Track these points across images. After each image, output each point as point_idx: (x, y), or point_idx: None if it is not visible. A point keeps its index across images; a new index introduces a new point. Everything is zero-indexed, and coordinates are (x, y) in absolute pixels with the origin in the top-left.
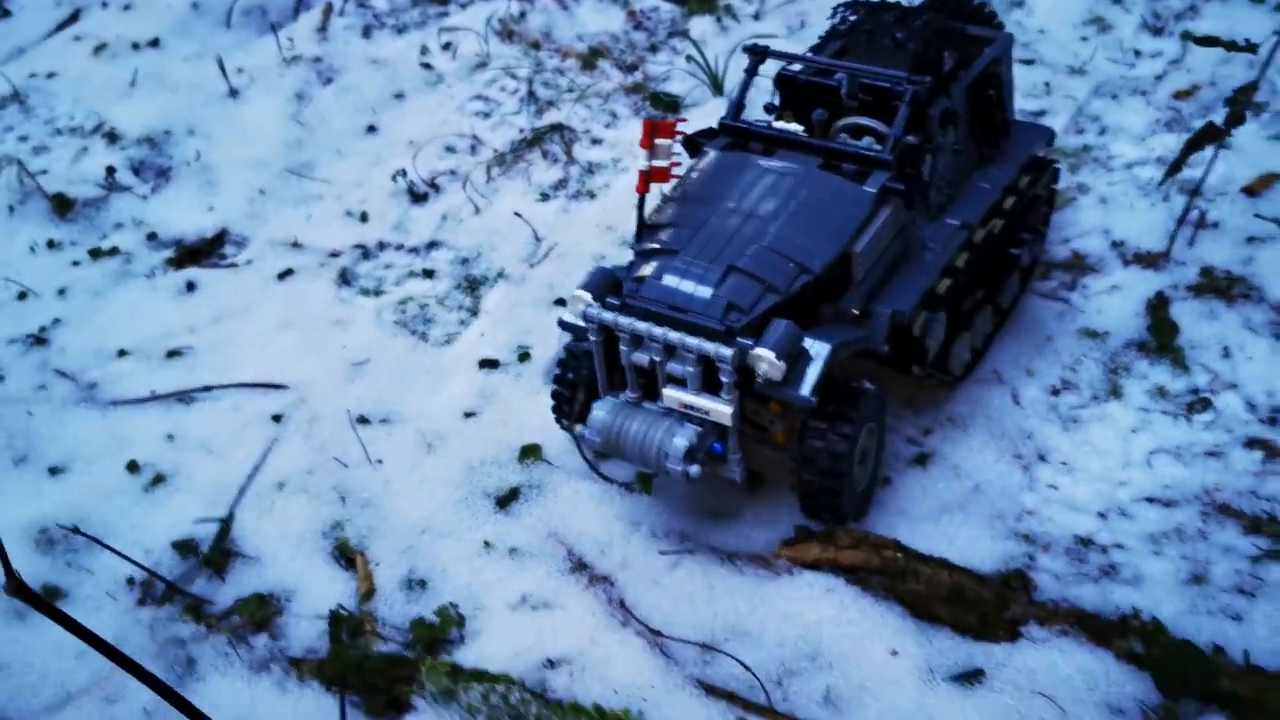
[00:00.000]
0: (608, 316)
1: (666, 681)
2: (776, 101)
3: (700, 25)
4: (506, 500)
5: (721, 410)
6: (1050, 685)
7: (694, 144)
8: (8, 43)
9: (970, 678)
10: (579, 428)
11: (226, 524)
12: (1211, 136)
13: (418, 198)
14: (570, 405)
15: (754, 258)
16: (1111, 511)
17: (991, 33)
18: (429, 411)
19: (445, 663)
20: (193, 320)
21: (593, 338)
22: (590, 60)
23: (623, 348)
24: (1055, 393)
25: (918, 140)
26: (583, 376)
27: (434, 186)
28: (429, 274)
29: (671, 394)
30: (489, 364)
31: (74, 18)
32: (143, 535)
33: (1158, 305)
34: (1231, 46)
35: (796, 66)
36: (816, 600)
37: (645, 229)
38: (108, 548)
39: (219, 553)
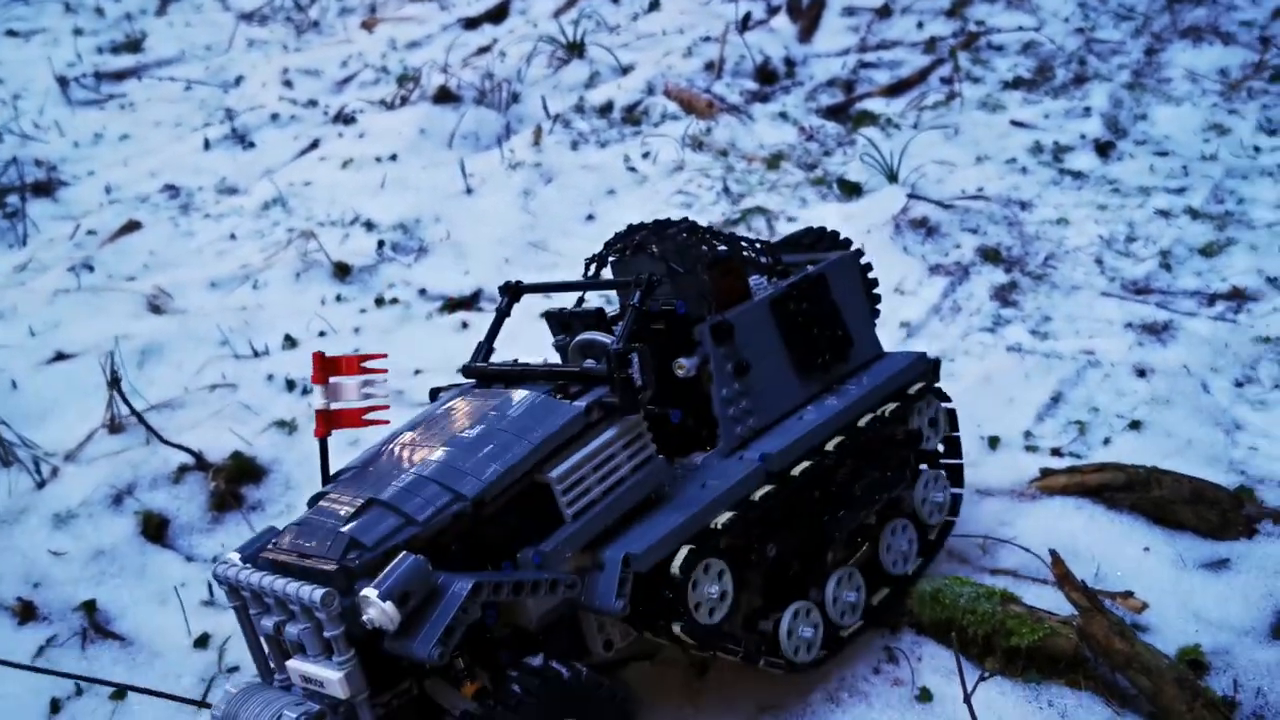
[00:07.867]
0: (231, 573)
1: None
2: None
3: (868, 133)
4: None
5: (330, 677)
6: None
7: (436, 395)
8: (256, 167)
9: (1218, 565)
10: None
11: None
12: None
13: None
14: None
15: (402, 486)
16: None
17: (819, 255)
18: None
19: None
20: (472, 346)
21: (232, 604)
22: (774, 163)
23: (252, 613)
24: (1239, 385)
25: (645, 348)
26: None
27: None
28: None
29: (291, 665)
30: None
31: (314, 145)
32: None
33: None
34: None
35: (568, 302)
36: (1068, 516)
37: (329, 478)
38: None
39: None
